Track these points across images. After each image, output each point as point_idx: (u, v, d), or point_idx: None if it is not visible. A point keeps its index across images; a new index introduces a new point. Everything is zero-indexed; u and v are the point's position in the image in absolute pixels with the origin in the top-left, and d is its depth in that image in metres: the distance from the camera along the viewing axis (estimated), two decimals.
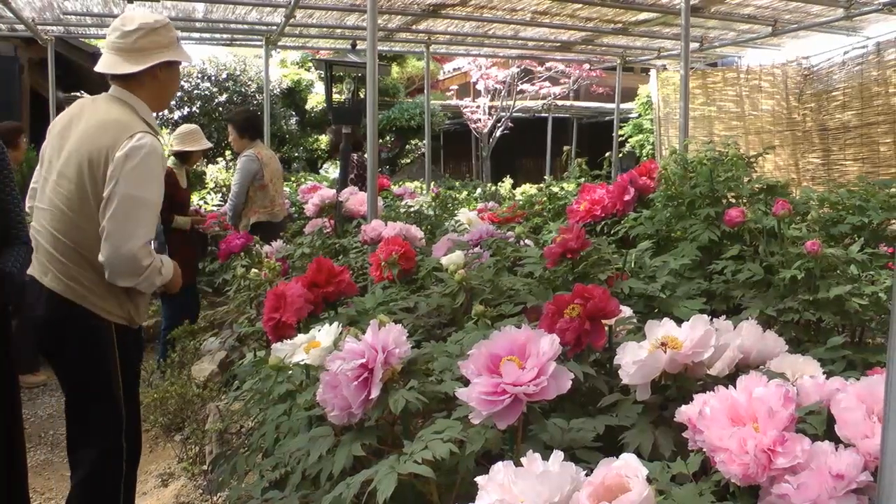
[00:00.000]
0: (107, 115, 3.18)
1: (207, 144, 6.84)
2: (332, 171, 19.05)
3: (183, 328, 6.09)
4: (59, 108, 5.38)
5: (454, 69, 23.07)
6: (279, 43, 9.33)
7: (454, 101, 20.36)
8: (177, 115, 15.20)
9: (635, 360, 1.66)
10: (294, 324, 2.49)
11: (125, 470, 3.35)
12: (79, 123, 3.19)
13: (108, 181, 3.02)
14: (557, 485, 1.25)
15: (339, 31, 9.06)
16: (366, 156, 7.39)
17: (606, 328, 1.94)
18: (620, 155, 14.47)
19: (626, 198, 2.75)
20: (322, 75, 7.29)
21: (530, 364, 1.48)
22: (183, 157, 6.70)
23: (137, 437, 3.65)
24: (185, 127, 6.93)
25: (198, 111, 15.31)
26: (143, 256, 3.05)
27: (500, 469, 1.31)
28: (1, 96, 10.17)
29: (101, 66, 3.27)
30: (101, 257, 3.02)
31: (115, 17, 7.96)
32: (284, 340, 2.24)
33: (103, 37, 10.12)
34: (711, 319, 1.78)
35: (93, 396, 3.25)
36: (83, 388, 3.26)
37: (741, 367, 1.80)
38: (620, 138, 14.42)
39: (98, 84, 4.99)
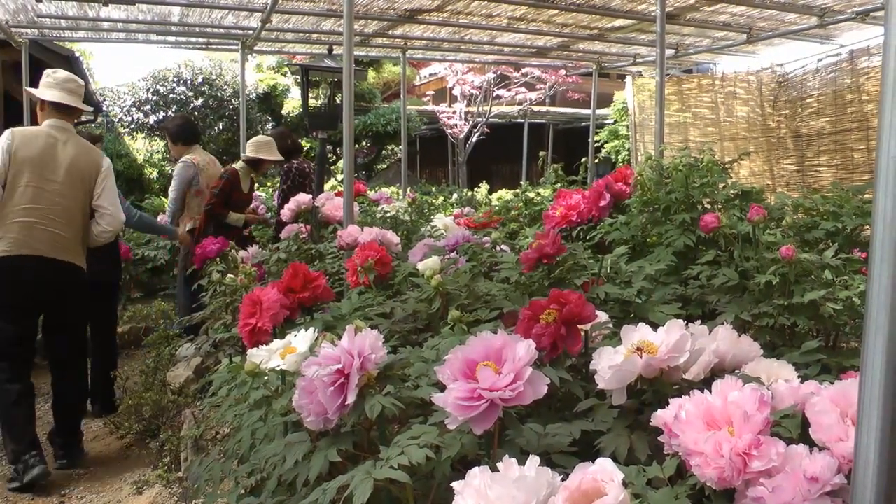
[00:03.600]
0: (80, 143, 4.91)
1: (278, 157, 6.91)
2: None
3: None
4: (33, 111, 5.38)
5: (430, 74, 23.10)
6: (255, 47, 9.30)
7: (430, 107, 20.37)
8: (152, 119, 15.15)
9: (611, 365, 1.67)
10: (270, 329, 2.48)
11: None
12: (64, 150, 4.77)
13: (99, 182, 4.88)
14: (534, 490, 1.25)
15: (315, 35, 9.05)
16: (305, 163, 7.32)
17: (582, 333, 1.94)
18: (596, 161, 14.54)
19: (602, 203, 2.76)
20: (299, 80, 7.26)
21: (506, 369, 1.48)
22: (254, 164, 6.77)
23: None
24: (261, 137, 7.00)
25: (174, 115, 15.24)
26: None
27: (477, 474, 1.31)
28: None
29: (69, 101, 4.89)
30: (106, 226, 4.90)
31: (89, 19, 7.98)
32: (260, 346, 2.23)
33: (78, 40, 10.07)
34: (687, 324, 1.78)
35: (81, 324, 5.25)
36: (79, 321, 5.16)
37: (717, 372, 1.81)
38: (596, 144, 14.49)
39: None
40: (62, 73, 5.00)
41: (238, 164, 6.73)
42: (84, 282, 4.95)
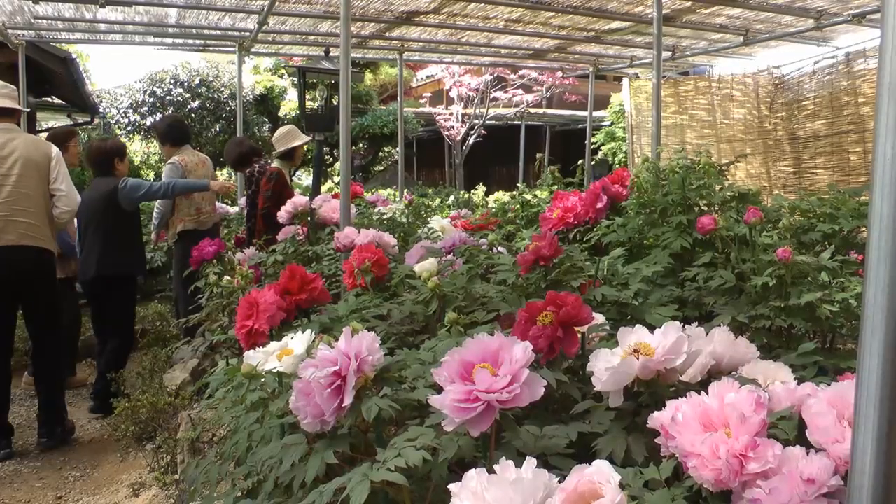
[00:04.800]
0: (28, 137, 5.45)
1: (306, 138, 6.97)
2: (304, 178, 19.03)
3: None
4: (31, 113, 5.58)
5: (427, 76, 23.13)
6: (252, 49, 9.29)
7: (427, 109, 20.35)
8: (149, 120, 15.11)
9: (608, 367, 1.67)
10: (267, 331, 2.48)
11: None
12: (13, 145, 5.18)
13: (52, 168, 5.33)
14: (530, 491, 1.25)
15: (312, 37, 9.05)
16: (269, 164, 7.24)
17: (579, 335, 1.94)
18: (593, 162, 14.55)
19: (599, 205, 2.76)
20: (296, 82, 7.26)
21: (503, 371, 1.48)
22: (287, 156, 6.87)
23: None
24: (281, 129, 7.05)
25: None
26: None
27: (473, 476, 1.31)
28: None
29: (11, 104, 5.34)
30: (64, 206, 5.36)
31: (86, 21, 7.97)
32: (257, 348, 2.23)
33: (75, 41, 10.07)
34: (684, 326, 1.78)
35: (57, 307, 5.54)
36: (54, 303, 5.48)
37: (713, 374, 1.81)
38: (593, 146, 14.50)
39: (68, 88, 5.67)
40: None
41: (276, 163, 6.82)
42: (52, 268, 5.45)
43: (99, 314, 6.25)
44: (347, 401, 1.65)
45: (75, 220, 5.93)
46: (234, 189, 7.18)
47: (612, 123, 17.08)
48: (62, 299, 5.87)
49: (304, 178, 18.99)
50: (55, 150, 5.45)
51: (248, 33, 8.43)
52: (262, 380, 2.10)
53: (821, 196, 3.67)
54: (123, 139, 15.73)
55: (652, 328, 1.77)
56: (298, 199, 4.81)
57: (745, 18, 8.26)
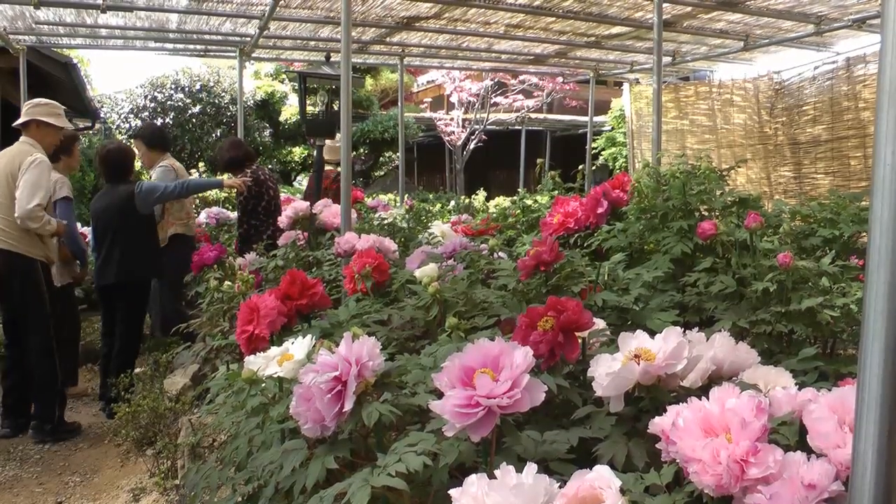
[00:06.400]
0: (14, 151, 5.74)
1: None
2: (305, 182, 19.02)
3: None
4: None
5: (428, 82, 23.15)
6: (253, 54, 9.29)
7: (428, 114, 20.38)
8: None
9: (609, 372, 1.67)
10: (267, 336, 2.48)
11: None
12: (5, 156, 5.68)
13: (20, 177, 5.53)
14: (531, 497, 1.25)
15: (313, 43, 9.05)
16: (259, 170, 7.19)
17: (580, 340, 1.94)
18: (594, 168, 14.55)
19: (600, 210, 2.77)
20: (296, 87, 7.28)
21: (504, 376, 1.48)
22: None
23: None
24: (330, 142, 7.37)
25: (171, 122, 15.22)
26: (38, 212, 5.50)
27: (474, 481, 1.31)
28: None
29: (19, 122, 5.87)
30: (17, 212, 5.45)
31: (88, 26, 7.98)
32: (258, 353, 2.23)
33: (76, 46, 10.07)
34: (684, 331, 1.78)
35: (35, 309, 5.64)
36: (27, 306, 5.64)
37: (714, 379, 1.81)
38: (594, 151, 14.49)
39: (69, 93, 5.77)
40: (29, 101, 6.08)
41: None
42: (26, 268, 5.64)
43: (111, 318, 6.25)
44: (348, 406, 1.65)
45: (89, 226, 6.02)
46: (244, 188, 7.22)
47: (613, 128, 17.10)
48: (56, 303, 5.94)
49: (306, 182, 18.97)
50: (30, 159, 5.63)
51: (248, 38, 8.44)
52: (263, 385, 2.10)
53: (821, 201, 3.67)
54: None
55: (653, 333, 1.77)
56: (299, 205, 4.81)
57: (746, 24, 8.26)
